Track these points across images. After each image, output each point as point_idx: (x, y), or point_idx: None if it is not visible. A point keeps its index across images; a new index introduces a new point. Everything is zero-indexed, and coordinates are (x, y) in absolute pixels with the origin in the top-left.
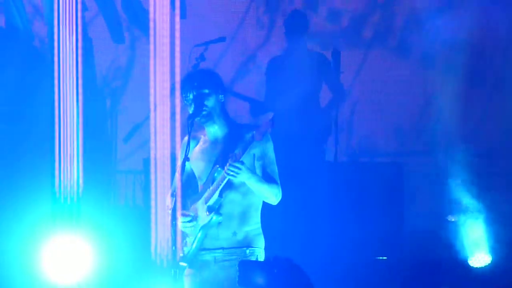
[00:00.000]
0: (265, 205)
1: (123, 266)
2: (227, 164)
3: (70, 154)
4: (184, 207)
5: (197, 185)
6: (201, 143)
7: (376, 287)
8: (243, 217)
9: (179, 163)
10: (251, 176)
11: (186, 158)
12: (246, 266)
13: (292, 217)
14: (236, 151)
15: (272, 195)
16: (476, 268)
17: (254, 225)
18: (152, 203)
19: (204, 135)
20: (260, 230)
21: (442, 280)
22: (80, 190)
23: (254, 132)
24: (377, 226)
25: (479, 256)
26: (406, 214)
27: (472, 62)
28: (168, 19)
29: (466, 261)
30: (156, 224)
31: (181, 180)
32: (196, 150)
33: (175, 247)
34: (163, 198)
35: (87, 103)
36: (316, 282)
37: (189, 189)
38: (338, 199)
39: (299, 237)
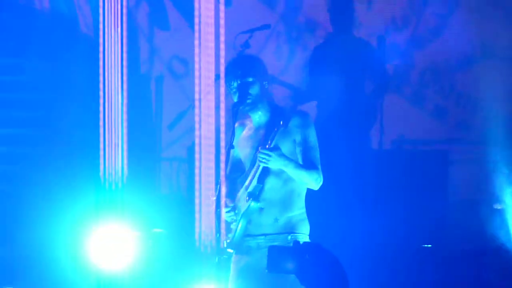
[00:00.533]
0: (310, 192)
1: (167, 253)
2: (258, 151)
3: (115, 141)
4: (230, 193)
5: (244, 172)
6: (246, 129)
7: (420, 274)
8: (285, 203)
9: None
10: (287, 162)
11: (231, 146)
12: (276, 252)
13: (337, 204)
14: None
15: (312, 180)
16: None
17: (298, 210)
18: (196, 190)
19: (250, 122)
20: (304, 216)
21: (486, 268)
22: (125, 176)
23: (281, 121)
24: (421, 214)
25: None
26: (450, 202)
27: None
28: (213, 7)
29: (511, 250)
30: (200, 211)
31: (226, 168)
32: (243, 137)
33: (219, 234)
34: (207, 185)
35: (132, 90)
36: (360, 268)
37: (236, 176)
38: (383, 187)
39: (343, 224)
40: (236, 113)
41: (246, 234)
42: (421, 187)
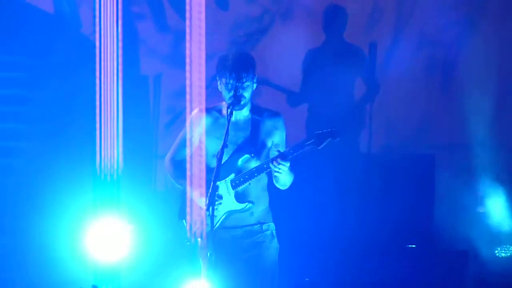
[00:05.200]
0: (300, 194)
1: (160, 247)
2: (274, 161)
3: (111, 136)
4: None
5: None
6: (214, 120)
7: (404, 274)
8: (258, 198)
9: (188, 135)
10: (290, 171)
11: (224, 145)
12: None
13: (325, 206)
14: (287, 151)
15: (290, 183)
16: (502, 257)
17: (266, 203)
18: (188, 187)
19: (220, 114)
20: (268, 206)
21: (469, 268)
22: (120, 170)
23: (313, 140)
24: (408, 216)
25: (506, 246)
26: (436, 204)
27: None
28: (204, 10)
29: (493, 251)
30: (191, 207)
31: (219, 166)
32: (212, 127)
33: (212, 229)
34: (198, 182)
35: (131, 88)
36: (347, 268)
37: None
38: (371, 189)
39: (331, 225)
40: (231, 114)
41: (221, 227)
42: (407, 190)
